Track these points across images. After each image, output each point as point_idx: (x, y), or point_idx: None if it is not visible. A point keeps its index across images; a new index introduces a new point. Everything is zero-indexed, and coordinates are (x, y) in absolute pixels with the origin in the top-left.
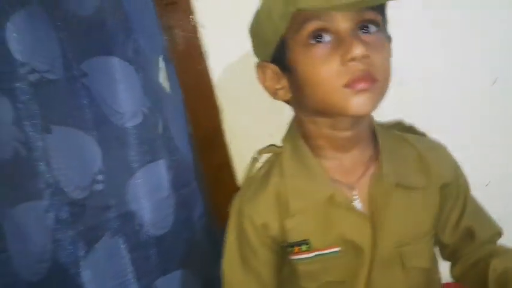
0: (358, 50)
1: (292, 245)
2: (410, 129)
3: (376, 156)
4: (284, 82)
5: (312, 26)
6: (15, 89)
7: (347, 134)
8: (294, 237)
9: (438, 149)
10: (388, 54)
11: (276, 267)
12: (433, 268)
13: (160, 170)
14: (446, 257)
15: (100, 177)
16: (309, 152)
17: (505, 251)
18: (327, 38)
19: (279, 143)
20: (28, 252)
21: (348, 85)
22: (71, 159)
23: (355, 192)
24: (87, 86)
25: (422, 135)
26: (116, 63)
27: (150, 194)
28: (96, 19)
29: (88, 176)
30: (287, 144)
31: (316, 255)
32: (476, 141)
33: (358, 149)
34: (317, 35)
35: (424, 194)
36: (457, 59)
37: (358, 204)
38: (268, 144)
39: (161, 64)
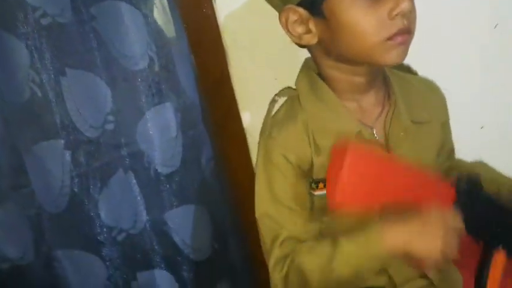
0: (407, 5)
1: (318, 181)
2: (408, 69)
3: (388, 96)
4: (312, 27)
5: None
6: (30, 33)
7: (367, 78)
8: (320, 173)
9: (434, 89)
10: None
11: (306, 198)
12: None
13: (168, 111)
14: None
15: (111, 117)
16: (332, 94)
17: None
18: None
19: (283, 86)
20: (49, 187)
21: (390, 38)
22: (85, 100)
23: (375, 130)
24: (96, 29)
25: (416, 73)
26: (123, 7)
27: (158, 134)
28: None
29: (100, 116)
30: (303, 86)
31: None
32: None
33: (374, 90)
34: None
35: (431, 129)
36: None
37: (378, 139)
38: (275, 87)
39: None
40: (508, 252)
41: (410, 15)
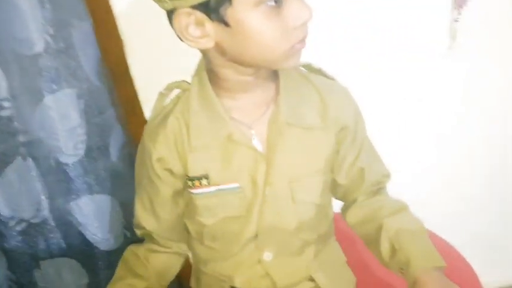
0: (308, 16)
1: (193, 179)
2: (319, 72)
3: (277, 95)
4: (210, 30)
5: None
6: None
7: (255, 77)
8: (194, 171)
9: (339, 93)
10: None
11: (173, 202)
12: (325, 204)
13: (69, 98)
14: (339, 197)
15: (6, 103)
16: (212, 92)
17: (395, 208)
18: None
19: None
20: None
21: (292, 47)
22: None
23: (253, 131)
24: None
25: (330, 78)
26: None
27: (59, 122)
28: None
29: None
30: (195, 82)
31: (216, 190)
32: None
33: (259, 89)
34: None
35: (319, 135)
36: None
37: (256, 142)
38: (175, 79)
39: None
40: None
41: (306, 25)
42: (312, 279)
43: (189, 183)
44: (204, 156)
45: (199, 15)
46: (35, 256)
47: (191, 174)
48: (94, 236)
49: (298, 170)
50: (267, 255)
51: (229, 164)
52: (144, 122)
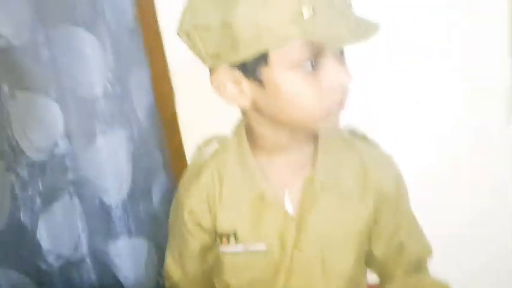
0: (346, 79)
1: (221, 236)
2: (363, 138)
3: (315, 158)
4: (246, 88)
5: (311, 50)
6: None
7: (289, 137)
8: (223, 228)
9: (382, 160)
10: None
11: (201, 257)
12: (358, 277)
13: (119, 140)
14: (375, 271)
15: (61, 141)
16: (248, 149)
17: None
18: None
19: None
20: None
21: (328, 109)
22: (34, 123)
23: (286, 192)
24: (52, 53)
25: (374, 146)
26: (81, 33)
27: (107, 163)
28: None
29: (49, 139)
30: (234, 138)
31: (243, 249)
32: None
33: (296, 150)
34: (310, 59)
35: (357, 203)
36: None
37: (288, 204)
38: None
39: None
40: None
41: (344, 88)
42: None
43: (218, 239)
44: (234, 214)
45: (237, 73)
46: None
47: (220, 230)
48: (127, 280)
49: (331, 238)
50: None
51: (258, 224)
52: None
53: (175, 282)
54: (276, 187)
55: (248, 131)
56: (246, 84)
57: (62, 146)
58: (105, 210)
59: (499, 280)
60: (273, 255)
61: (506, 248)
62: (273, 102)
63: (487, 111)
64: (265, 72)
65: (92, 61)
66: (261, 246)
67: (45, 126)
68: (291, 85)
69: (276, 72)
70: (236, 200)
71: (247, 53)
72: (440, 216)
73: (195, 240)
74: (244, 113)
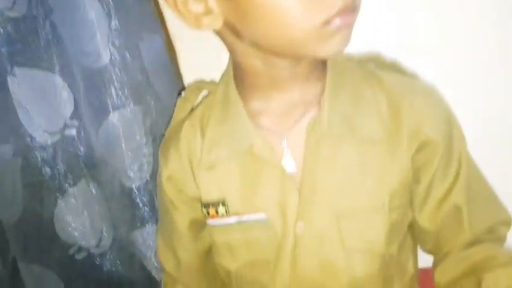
0: None
1: (207, 205)
2: (391, 66)
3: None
4: (213, 5)
5: None
6: None
7: (288, 71)
8: (208, 194)
9: (422, 95)
10: None
11: (192, 237)
12: (396, 255)
13: (134, 116)
14: (427, 248)
15: (71, 122)
16: (234, 91)
17: (505, 260)
18: None
19: None
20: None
21: (327, 22)
22: (39, 102)
23: (286, 146)
24: (51, 23)
25: (408, 75)
26: None
27: (123, 141)
28: None
29: (58, 119)
30: (221, 83)
31: (237, 221)
32: None
33: (298, 88)
34: None
35: (385, 154)
36: None
37: (289, 162)
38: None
39: None
40: None
41: None
42: None
43: (204, 210)
44: (220, 175)
45: None
46: None
47: (205, 198)
48: (158, 271)
49: (349, 203)
50: None
51: (252, 186)
52: None
53: (168, 274)
54: (271, 139)
55: (237, 71)
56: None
57: (73, 127)
58: (126, 194)
59: None
60: (274, 229)
61: None
62: (249, 20)
63: None
64: None
65: (96, 26)
66: (258, 216)
67: (52, 105)
68: None
69: None
70: (221, 156)
71: None
72: None
73: (181, 215)
74: (226, 44)
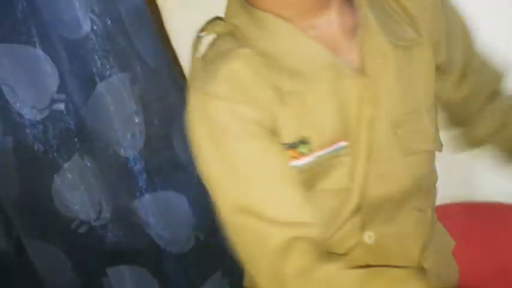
0: None
1: (287, 147)
2: None
3: (355, 11)
4: None
5: None
6: None
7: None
8: (287, 134)
9: None
10: None
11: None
12: (434, 153)
13: (122, 84)
14: (458, 120)
15: (58, 96)
16: (284, 22)
17: None
18: None
19: None
20: None
21: None
22: (24, 78)
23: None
24: None
25: None
26: None
27: (113, 110)
28: None
29: (44, 94)
30: (241, 18)
31: (318, 156)
32: None
33: (334, 7)
34: None
35: (420, 53)
36: None
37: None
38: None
39: None
40: None
41: None
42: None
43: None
44: (300, 109)
45: None
46: (101, 262)
47: (283, 139)
48: (162, 239)
49: (406, 108)
50: (369, 236)
51: (336, 113)
52: None
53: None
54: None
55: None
56: None
57: (61, 101)
58: (121, 165)
59: None
60: (353, 154)
61: None
62: None
63: None
64: None
65: None
66: (341, 145)
67: (37, 80)
68: None
69: None
70: (297, 87)
71: None
72: None
73: (268, 142)
74: None
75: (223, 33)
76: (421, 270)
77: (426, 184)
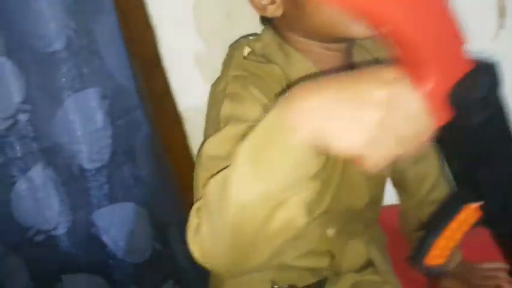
0: None
1: None
2: None
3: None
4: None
5: None
6: None
7: (343, 52)
8: None
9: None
10: None
11: None
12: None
13: (91, 99)
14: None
15: (24, 106)
16: (309, 62)
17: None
18: None
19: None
20: None
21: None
22: None
23: None
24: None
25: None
26: None
27: (81, 125)
28: None
29: (11, 105)
30: (273, 49)
31: None
32: None
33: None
34: None
35: None
36: None
37: None
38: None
39: None
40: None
41: None
42: (370, 263)
43: None
44: None
45: None
46: (56, 270)
47: None
48: (119, 249)
49: None
50: (330, 231)
51: None
52: (177, 120)
53: None
54: None
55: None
56: None
57: (27, 112)
58: (84, 177)
59: None
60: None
61: None
62: (301, 6)
63: None
64: None
65: (48, 9)
66: None
67: (4, 91)
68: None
69: None
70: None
71: None
72: None
73: None
74: (281, 32)
75: (257, 51)
76: None
77: (378, 202)
